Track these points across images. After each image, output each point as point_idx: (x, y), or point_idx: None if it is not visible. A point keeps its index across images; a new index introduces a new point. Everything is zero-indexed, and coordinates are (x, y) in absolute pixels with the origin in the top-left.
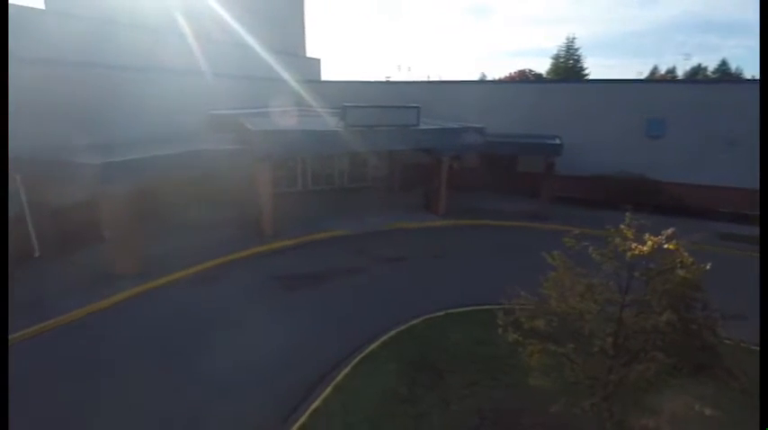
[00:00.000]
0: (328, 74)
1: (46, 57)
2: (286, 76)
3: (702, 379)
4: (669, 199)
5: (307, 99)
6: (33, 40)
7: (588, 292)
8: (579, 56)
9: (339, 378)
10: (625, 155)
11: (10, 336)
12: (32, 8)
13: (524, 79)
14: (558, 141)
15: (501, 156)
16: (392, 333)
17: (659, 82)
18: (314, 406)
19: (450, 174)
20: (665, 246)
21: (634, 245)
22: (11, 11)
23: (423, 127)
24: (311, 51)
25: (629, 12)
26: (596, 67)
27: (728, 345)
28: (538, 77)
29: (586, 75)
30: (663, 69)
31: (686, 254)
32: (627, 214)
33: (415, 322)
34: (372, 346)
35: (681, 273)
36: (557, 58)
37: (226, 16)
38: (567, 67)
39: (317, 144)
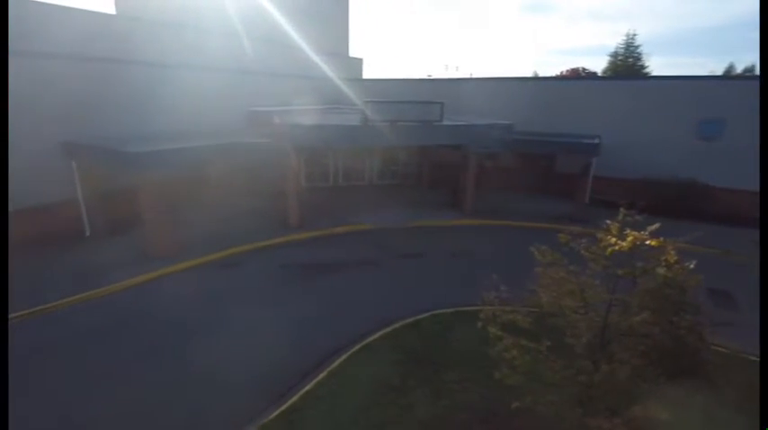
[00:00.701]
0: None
1: (112, 56)
2: (328, 74)
3: (687, 385)
4: (722, 206)
5: (348, 97)
6: (104, 42)
7: (577, 290)
8: (640, 53)
9: (335, 364)
10: (674, 157)
11: (58, 302)
12: (104, 13)
13: (569, 77)
14: (596, 141)
15: (538, 156)
16: (396, 325)
17: (718, 79)
18: (306, 388)
19: (483, 172)
20: (648, 242)
21: (614, 240)
22: (84, 15)
23: (446, 123)
24: (355, 51)
25: (702, 5)
26: (664, 66)
27: (724, 354)
28: (589, 76)
29: (647, 74)
30: (740, 68)
31: (673, 253)
32: (621, 209)
33: (421, 316)
34: (373, 337)
35: (661, 271)
36: (615, 55)
37: (276, 17)
38: (627, 66)
39: (337, 138)
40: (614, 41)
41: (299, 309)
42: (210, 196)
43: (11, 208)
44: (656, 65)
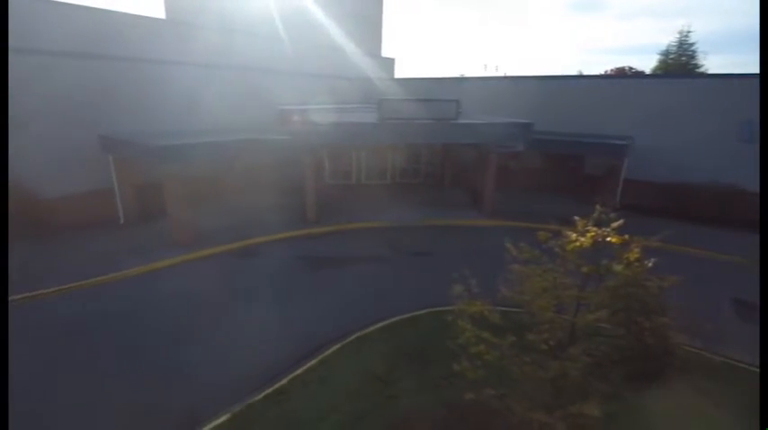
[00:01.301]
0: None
1: (161, 58)
2: (362, 74)
3: (646, 387)
4: None
5: (380, 96)
6: (153, 45)
7: (550, 288)
8: (694, 51)
9: (327, 352)
10: (713, 160)
11: (92, 280)
12: (155, 18)
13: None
14: (623, 142)
15: (565, 157)
16: (394, 319)
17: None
18: (295, 373)
19: (507, 173)
20: (609, 239)
21: (574, 236)
22: (136, 20)
23: (463, 121)
24: (390, 51)
25: None
26: (722, 66)
27: (705, 359)
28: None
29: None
30: None
31: (637, 250)
32: (597, 206)
33: (420, 313)
34: (369, 329)
35: (618, 268)
36: (666, 54)
37: (313, 20)
38: (679, 65)
39: (351, 136)
40: (669, 39)
41: (303, 299)
42: (234, 190)
43: (56, 194)
44: (714, 64)
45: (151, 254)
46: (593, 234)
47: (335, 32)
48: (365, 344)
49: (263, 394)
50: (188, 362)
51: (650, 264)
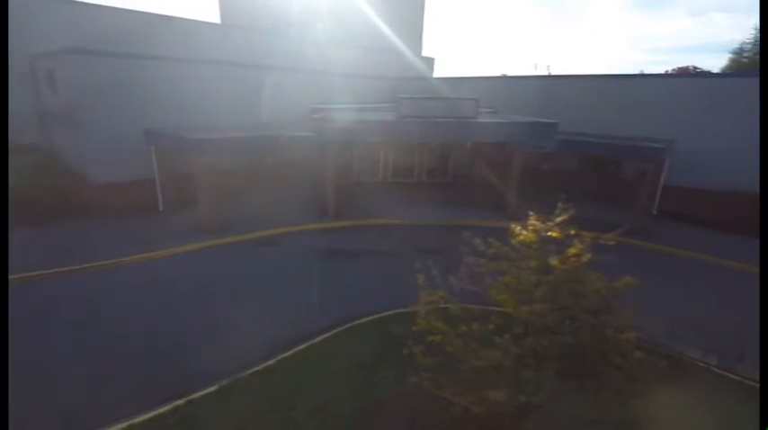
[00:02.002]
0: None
1: (216, 58)
2: (399, 74)
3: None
4: None
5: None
6: (210, 47)
7: (513, 283)
8: None
9: (317, 339)
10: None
11: (129, 258)
12: (211, 23)
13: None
14: (661, 145)
15: (600, 160)
16: (391, 312)
17: None
18: (282, 355)
19: (539, 175)
20: (550, 233)
21: (518, 229)
22: (194, 25)
23: (481, 120)
24: (436, 50)
25: None
26: None
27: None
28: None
29: None
30: None
31: (579, 245)
32: (559, 203)
33: (419, 308)
34: (364, 319)
35: (553, 262)
36: (739, 52)
37: (356, 21)
38: (755, 63)
39: (367, 133)
40: (744, 36)
41: (307, 286)
42: (262, 184)
43: (105, 181)
44: None
45: (182, 238)
46: (535, 227)
47: (375, 33)
48: (357, 333)
49: (252, 370)
50: (180, 337)
51: (584, 259)
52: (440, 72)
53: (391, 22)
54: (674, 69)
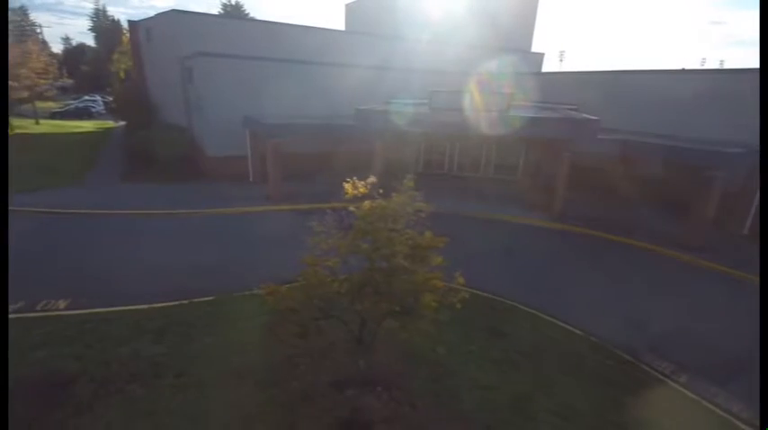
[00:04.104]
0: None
1: (342, 61)
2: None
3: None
4: None
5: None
6: (336, 52)
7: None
8: None
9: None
10: None
11: (215, 210)
12: (337, 30)
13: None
14: (721, 149)
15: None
16: None
17: None
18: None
19: (605, 178)
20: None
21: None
22: (323, 33)
23: (513, 113)
24: (542, 46)
25: None
26: None
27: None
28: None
29: None
30: None
31: (378, 200)
32: (405, 179)
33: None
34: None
35: (353, 208)
36: None
37: (463, 18)
38: None
39: (399, 123)
40: None
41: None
42: (330, 167)
43: (216, 154)
44: None
45: (251, 201)
46: (351, 189)
47: (481, 31)
48: None
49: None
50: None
51: (351, 209)
52: (551, 67)
53: (501, 18)
54: None
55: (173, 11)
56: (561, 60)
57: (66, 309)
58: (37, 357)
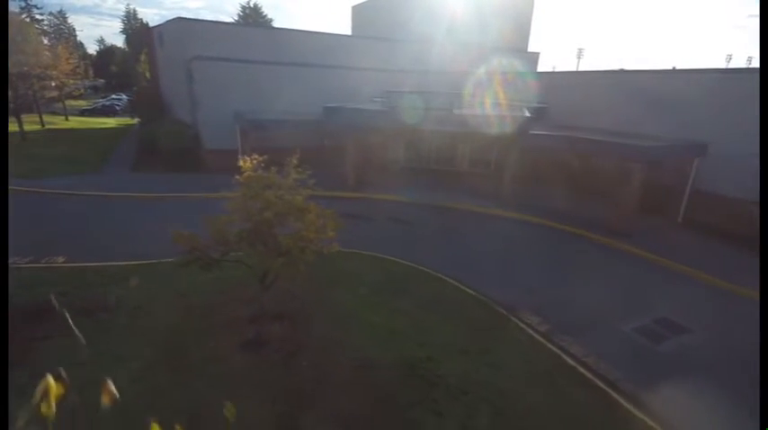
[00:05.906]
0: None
1: (346, 64)
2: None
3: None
4: None
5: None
6: (341, 55)
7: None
8: None
9: None
10: None
11: (204, 194)
12: (343, 35)
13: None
14: (638, 143)
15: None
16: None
17: None
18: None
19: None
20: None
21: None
22: (318, 37)
23: (463, 112)
24: (538, 46)
25: None
26: None
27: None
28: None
29: None
30: None
31: (260, 173)
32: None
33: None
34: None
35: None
36: None
37: (458, 19)
38: None
39: (362, 121)
40: None
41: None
42: (312, 161)
43: (213, 147)
44: None
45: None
46: (244, 164)
47: (477, 31)
48: None
49: None
50: None
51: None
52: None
53: (497, 18)
54: None
55: (178, 18)
56: (580, 58)
57: (64, 262)
58: (37, 292)
